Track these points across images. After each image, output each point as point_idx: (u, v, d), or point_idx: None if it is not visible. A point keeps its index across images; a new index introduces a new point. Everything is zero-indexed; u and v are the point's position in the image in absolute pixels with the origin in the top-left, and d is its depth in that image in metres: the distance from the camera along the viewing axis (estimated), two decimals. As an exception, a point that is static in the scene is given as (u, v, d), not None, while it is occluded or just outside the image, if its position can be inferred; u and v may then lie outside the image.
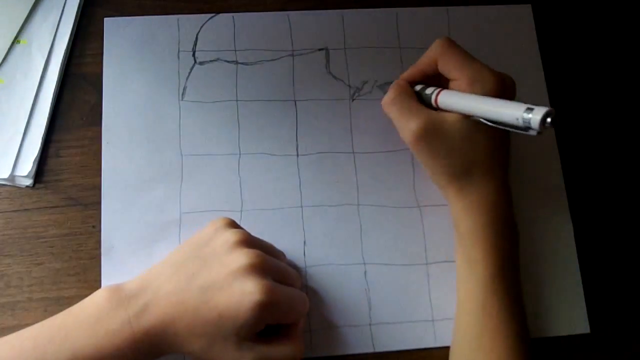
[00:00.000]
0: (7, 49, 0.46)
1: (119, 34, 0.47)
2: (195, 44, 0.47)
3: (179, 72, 0.47)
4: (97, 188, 0.44)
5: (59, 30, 0.47)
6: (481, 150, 0.39)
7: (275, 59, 0.48)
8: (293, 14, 0.49)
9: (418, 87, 0.42)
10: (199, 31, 0.48)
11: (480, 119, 0.37)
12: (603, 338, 0.44)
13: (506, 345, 0.37)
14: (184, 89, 0.46)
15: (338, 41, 0.48)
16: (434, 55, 0.40)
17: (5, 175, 0.43)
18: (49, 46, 0.46)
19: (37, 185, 0.44)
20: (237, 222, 0.40)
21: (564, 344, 0.43)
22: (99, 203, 0.44)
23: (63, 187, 0.44)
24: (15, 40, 0.46)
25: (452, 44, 0.40)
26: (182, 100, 0.46)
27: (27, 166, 0.44)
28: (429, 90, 0.41)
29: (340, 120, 0.47)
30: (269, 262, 0.37)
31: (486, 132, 0.38)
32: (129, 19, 0.48)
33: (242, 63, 0.47)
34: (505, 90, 0.39)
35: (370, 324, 0.43)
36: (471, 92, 0.38)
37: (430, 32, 0.49)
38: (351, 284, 0.43)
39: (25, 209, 0.44)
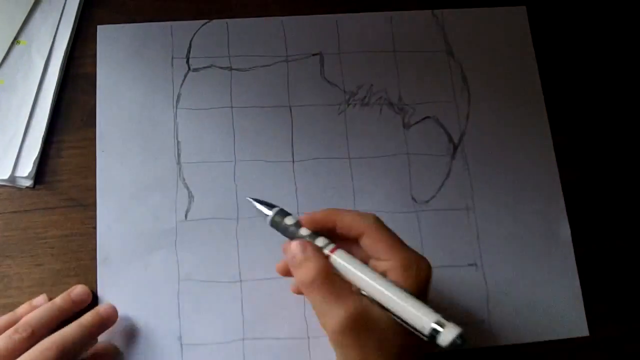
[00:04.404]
0: (6, 50, 0.46)
1: (112, 42, 0.47)
2: (189, 51, 0.47)
3: (172, 79, 0.47)
4: (97, 190, 0.44)
5: (59, 31, 0.47)
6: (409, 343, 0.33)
7: (270, 65, 0.47)
8: (287, 19, 0.49)
9: (304, 233, 0.35)
10: (192, 38, 0.47)
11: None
12: (602, 341, 0.44)
13: None
14: (178, 96, 0.46)
15: (332, 46, 0.48)
16: (359, 228, 0.35)
17: (6, 176, 0.43)
18: (49, 47, 0.46)
19: (37, 186, 0.44)
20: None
21: (563, 348, 0.43)
22: (99, 205, 0.44)
23: (63, 188, 0.44)
24: (15, 40, 0.46)
25: (382, 224, 0.35)
26: (176, 107, 0.46)
27: (27, 167, 0.44)
28: (320, 241, 0.35)
29: (336, 126, 0.46)
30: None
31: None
32: (122, 26, 0.47)
33: (236, 69, 0.47)
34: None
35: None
36: (406, 277, 0.33)
37: (425, 35, 0.49)
38: (348, 290, 0.43)
39: (26, 210, 0.44)
